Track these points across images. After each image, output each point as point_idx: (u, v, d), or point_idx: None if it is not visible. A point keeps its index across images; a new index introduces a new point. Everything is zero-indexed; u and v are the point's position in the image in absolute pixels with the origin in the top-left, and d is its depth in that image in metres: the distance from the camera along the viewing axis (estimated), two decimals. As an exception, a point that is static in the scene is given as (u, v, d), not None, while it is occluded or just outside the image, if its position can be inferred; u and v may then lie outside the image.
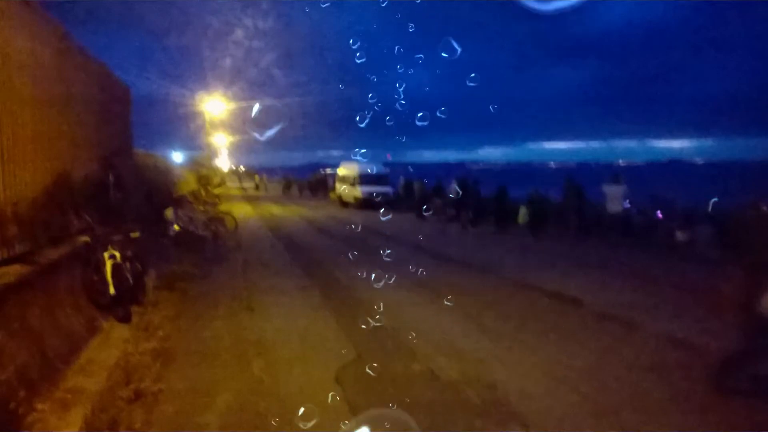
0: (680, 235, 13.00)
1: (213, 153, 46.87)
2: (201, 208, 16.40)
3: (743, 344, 4.75)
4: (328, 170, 42.16)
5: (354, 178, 27.73)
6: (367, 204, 26.16)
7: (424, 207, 19.97)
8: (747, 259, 4.86)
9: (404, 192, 26.12)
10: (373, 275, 9.48)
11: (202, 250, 11.90)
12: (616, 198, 14.46)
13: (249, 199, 34.34)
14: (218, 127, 44.22)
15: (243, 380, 4.89)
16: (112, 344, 5.67)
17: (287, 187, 44.05)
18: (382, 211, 24.24)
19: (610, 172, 15.52)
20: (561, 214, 16.23)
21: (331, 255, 12.40)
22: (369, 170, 27.94)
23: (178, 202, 13.92)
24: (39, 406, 3.97)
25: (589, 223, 15.44)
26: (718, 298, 6.28)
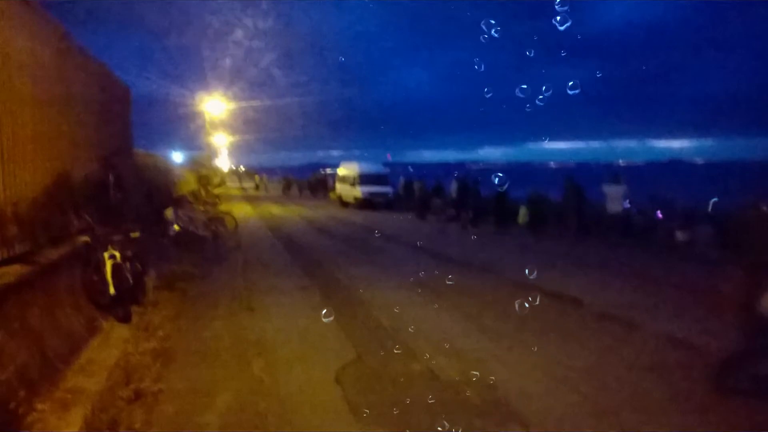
0: (680, 235, 12.99)
1: (213, 153, 46.96)
2: (201, 208, 16.40)
3: (743, 344, 4.75)
4: (328, 170, 42.18)
5: (354, 178, 27.73)
6: (367, 204, 26.17)
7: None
8: (747, 259, 4.86)
9: (404, 192, 26.12)
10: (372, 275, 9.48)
11: (202, 250, 11.90)
12: (616, 198, 14.46)
13: (249, 199, 34.35)
14: (218, 127, 44.32)
15: (243, 380, 4.89)
16: (112, 344, 5.67)
17: (287, 187, 44.08)
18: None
19: (610, 172, 15.51)
20: (561, 214, 16.23)
21: (331, 255, 12.40)
22: (369, 170, 27.94)
23: (178, 202, 13.91)
24: (39, 406, 3.97)
25: (589, 223, 15.44)
26: (718, 298, 6.29)
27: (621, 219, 14.59)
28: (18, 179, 5.16)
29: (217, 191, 32.16)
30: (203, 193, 24.26)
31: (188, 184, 23.71)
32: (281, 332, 6.41)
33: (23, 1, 5.47)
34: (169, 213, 12.06)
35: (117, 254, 6.37)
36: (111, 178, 8.35)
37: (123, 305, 6.43)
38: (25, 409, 3.82)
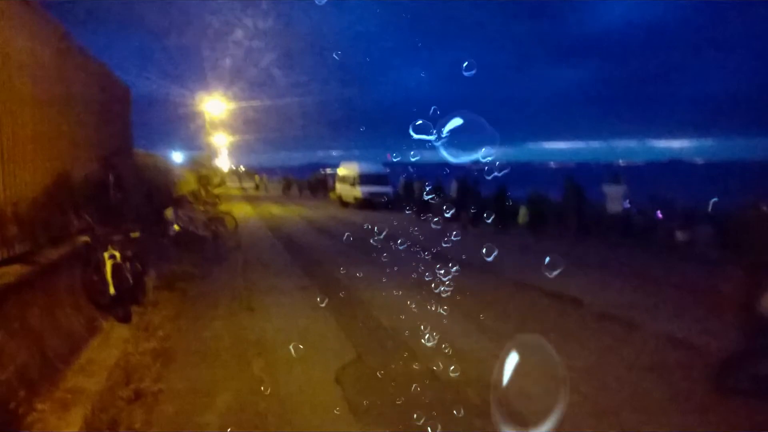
0: (680, 235, 12.99)
1: (213, 153, 46.95)
2: (201, 208, 16.41)
3: (743, 344, 4.75)
4: (328, 170, 42.19)
5: (354, 178, 27.73)
6: (367, 204, 26.17)
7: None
8: (747, 259, 4.86)
9: (404, 192, 26.13)
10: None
11: (202, 250, 11.89)
12: (616, 198, 14.46)
13: (249, 199, 34.34)
14: (218, 127, 44.33)
15: (243, 380, 4.89)
16: (112, 344, 5.67)
17: (287, 187, 44.06)
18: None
19: (610, 172, 15.51)
20: (561, 214, 16.23)
21: (330, 255, 12.40)
22: (369, 170, 27.94)
23: (178, 202, 13.91)
24: (39, 406, 3.97)
25: (589, 223, 15.44)
26: (718, 298, 6.29)
27: (621, 219, 14.59)
28: (18, 179, 5.16)
29: (217, 191, 32.16)
30: (203, 193, 24.26)
31: (188, 184, 23.70)
32: (281, 332, 6.41)
33: (23, 1, 5.47)
34: (169, 213, 12.06)
35: (117, 254, 6.37)
36: (111, 178, 8.35)
37: (123, 305, 6.43)
38: (25, 409, 3.82)
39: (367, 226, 18.75)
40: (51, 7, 6.43)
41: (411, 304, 7.79)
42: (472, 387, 4.74)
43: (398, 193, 27.13)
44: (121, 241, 6.65)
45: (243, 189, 47.77)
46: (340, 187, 29.93)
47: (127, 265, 6.51)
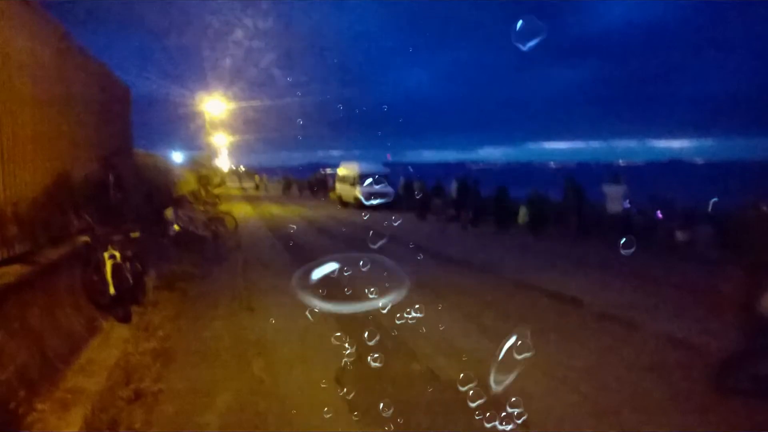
0: (680, 235, 12.99)
1: (213, 153, 46.94)
2: (201, 208, 16.40)
3: (743, 344, 4.75)
4: (328, 170, 42.17)
5: (354, 178, 27.74)
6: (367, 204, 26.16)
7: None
8: (747, 259, 4.86)
9: (404, 192, 26.12)
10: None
11: (202, 250, 11.89)
12: (616, 198, 14.45)
13: (249, 199, 34.33)
14: (218, 127, 44.32)
15: (243, 380, 4.89)
16: (112, 344, 5.67)
17: (287, 187, 44.04)
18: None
19: (610, 172, 15.51)
20: (561, 214, 16.23)
21: (330, 255, 12.39)
22: (369, 170, 27.96)
23: (178, 202, 13.91)
24: (39, 406, 3.97)
25: (589, 223, 15.43)
26: (718, 298, 6.29)
27: (621, 219, 14.58)
28: (18, 179, 5.16)
29: (217, 191, 32.14)
30: (203, 193, 24.24)
31: (188, 184, 23.69)
32: (281, 332, 6.41)
33: (23, 1, 5.48)
34: (169, 213, 12.06)
35: (117, 254, 6.37)
36: (111, 178, 8.35)
37: (123, 305, 6.43)
38: (25, 409, 3.82)
39: (368, 227, 18.73)
40: (51, 7, 6.43)
41: (411, 304, 7.78)
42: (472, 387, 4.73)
43: (398, 193, 27.13)
44: (121, 241, 6.65)
45: (243, 189, 47.72)
46: (340, 187, 29.94)
47: (127, 265, 6.51)
